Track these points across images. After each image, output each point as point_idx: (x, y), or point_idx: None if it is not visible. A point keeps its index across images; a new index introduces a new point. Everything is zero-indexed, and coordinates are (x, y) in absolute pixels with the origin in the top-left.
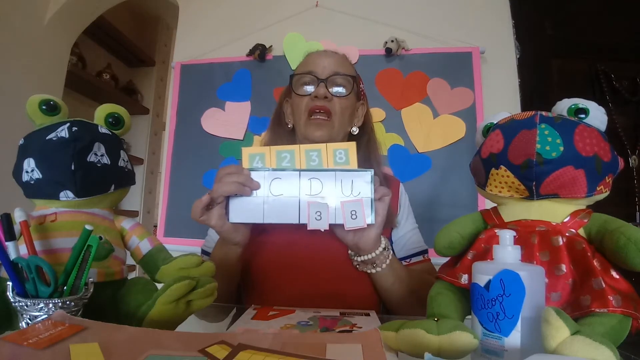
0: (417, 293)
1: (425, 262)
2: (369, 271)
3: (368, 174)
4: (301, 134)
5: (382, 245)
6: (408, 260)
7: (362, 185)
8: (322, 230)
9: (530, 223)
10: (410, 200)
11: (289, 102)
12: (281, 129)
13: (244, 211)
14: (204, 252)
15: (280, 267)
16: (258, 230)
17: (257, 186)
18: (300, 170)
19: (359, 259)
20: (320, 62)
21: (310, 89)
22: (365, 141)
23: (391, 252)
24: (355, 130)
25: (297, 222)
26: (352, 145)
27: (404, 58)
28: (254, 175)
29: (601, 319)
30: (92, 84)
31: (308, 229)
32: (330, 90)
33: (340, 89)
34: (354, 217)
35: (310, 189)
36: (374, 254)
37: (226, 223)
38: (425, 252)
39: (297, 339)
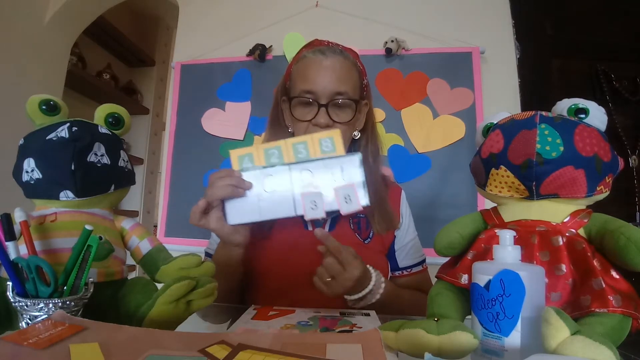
0: (412, 307)
1: (423, 271)
2: (364, 305)
3: (356, 157)
4: None
5: (372, 282)
6: (409, 270)
7: (352, 169)
8: (320, 219)
9: (530, 223)
10: (410, 200)
11: (287, 103)
12: (280, 129)
13: (240, 212)
14: (207, 254)
15: (282, 269)
16: (261, 234)
17: (249, 186)
18: (290, 164)
19: (350, 297)
20: (320, 80)
21: (310, 111)
22: (363, 144)
23: (383, 281)
24: (357, 134)
25: (294, 214)
26: (336, 133)
27: (404, 58)
28: (245, 175)
29: (601, 319)
30: (92, 84)
31: (306, 219)
32: (331, 115)
33: (342, 115)
34: (348, 201)
35: (302, 180)
36: (364, 292)
37: (225, 225)
38: (424, 261)
39: (297, 339)
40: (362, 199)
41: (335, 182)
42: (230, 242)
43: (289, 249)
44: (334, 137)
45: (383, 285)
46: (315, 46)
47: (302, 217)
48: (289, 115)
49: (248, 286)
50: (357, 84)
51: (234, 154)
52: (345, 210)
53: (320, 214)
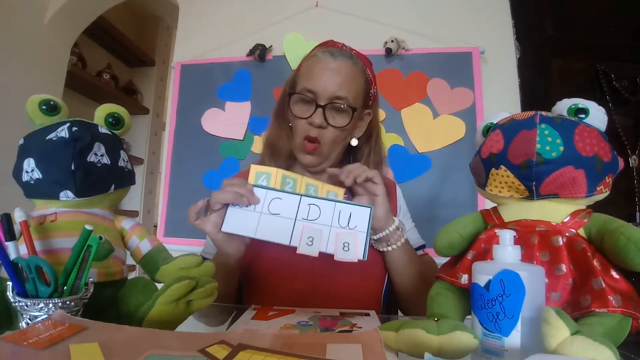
0: (427, 277)
1: (425, 255)
2: (383, 249)
3: (367, 210)
4: (294, 153)
5: (395, 224)
6: None
7: (360, 219)
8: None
9: (530, 223)
10: (410, 200)
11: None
12: (284, 123)
13: (238, 223)
14: (203, 258)
15: (279, 267)
16: None
17: (256, 201)
18: (301, 195)
19: (373, 237)
20: (323, 81)
21: (308, 109)
22: (365, 153)
23: (405, 233)
24: (354, 141)
25: (288, 243)
26: (340, 191)
27: (404, 58)
28: (256, 191)
29: (601, 319)
30: (92, 84)
31: (297, 252)
32: (327, 117)
33: (339, 119)
34: (346, 249)
35: (307, 214)
36: (387, 232)
37: (219, 232)
38: (423, 246)
39: (297, 339)
40: (360, 252)
41: (339, 226)
42: (222, 251)
43: (285, 248)
44: (338, 193)
45: (404, 236)
46: (329, 46)
47: (294, 248)
48: (289, 110)
49: (244, 283)
50: (361, 92)
51: (254, 169)
52: (339, 256)
53: (313, 252)
